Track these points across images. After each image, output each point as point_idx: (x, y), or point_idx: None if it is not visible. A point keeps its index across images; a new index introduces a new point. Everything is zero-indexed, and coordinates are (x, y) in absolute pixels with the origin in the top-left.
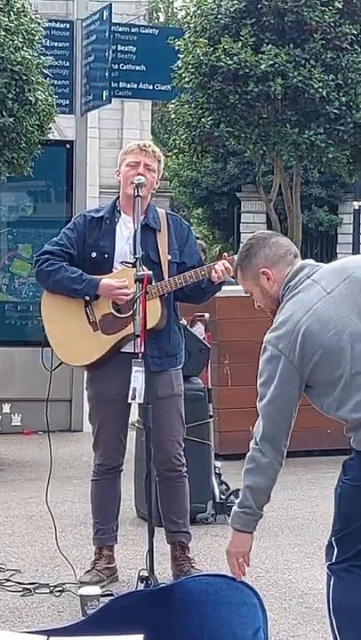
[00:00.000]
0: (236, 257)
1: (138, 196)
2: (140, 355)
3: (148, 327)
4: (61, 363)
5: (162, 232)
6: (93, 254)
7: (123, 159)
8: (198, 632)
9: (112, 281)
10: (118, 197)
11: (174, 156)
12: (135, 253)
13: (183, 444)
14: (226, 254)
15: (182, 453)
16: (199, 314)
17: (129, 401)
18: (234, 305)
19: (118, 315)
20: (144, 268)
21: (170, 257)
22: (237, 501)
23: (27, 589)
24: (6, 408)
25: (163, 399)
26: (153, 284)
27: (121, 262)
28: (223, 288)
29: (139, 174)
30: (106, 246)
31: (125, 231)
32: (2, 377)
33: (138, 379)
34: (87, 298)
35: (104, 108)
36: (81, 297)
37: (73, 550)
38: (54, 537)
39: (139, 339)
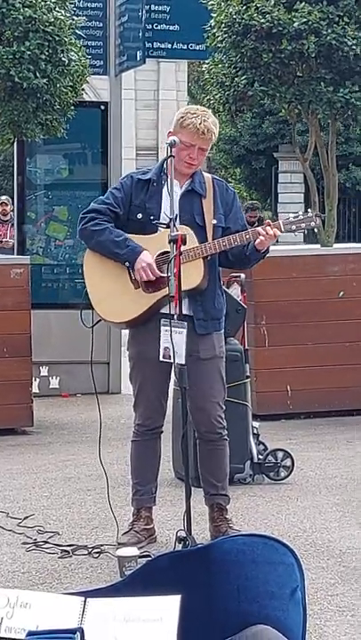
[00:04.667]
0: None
1: (171, 156)
2: (176, 316)
3: (189, 287)
4: (100, 319)
5: (207, 197)
6: (139, 215)
7: (179, 129)
8: (235, 592)
9: (149, 257)
10: (165, 160)
11: None
12: (170, 214)
13: (225, 407)
14: (270, 220)
15: (223, 416)
16: (235, 274)
17: (160, 359)
18: (270, 265)
19: (160, 273)
20: (178, 228)
21: (215, 221)
22: None
23: (65, 551)
24: (44, 371)
25: (204, 361)
26: (195, 244)
27: (154, 222)
28: None
29: (190, 157)
30: (152, 208)
31: (172, 194)
32: (39, 340)
33: (170, 339)
34: (127, 264)
35: (140, 70)
36: (121, 262)
37: (113, 511)
38: (101, 496)
39: (175, 299)
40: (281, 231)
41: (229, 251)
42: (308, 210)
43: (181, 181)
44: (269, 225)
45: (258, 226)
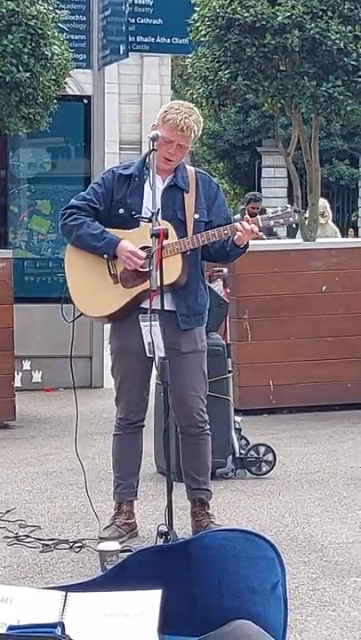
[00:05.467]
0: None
1: (153, 149)
2: (155, 310)
3: (167, 282)
4: (81, 314)
5: (190, 192)
6: (121, 210)
7: (161, 124)
8: (216, 587)
9: (130, 245)
10: (148, 154)
11: None
12: (152, 207)
13: (206, 401)
14: (248, 216)
15: (205, 410)
16: (217, 269)
17: (147, 355)
18: (253, 260)
19: (139, 268)
20: (160, 222)
21: (197, 216)
22: None
23: (46, 545)
24: (27, 365)
25: (185, 355)
26: (176, 239)
27: (135, 217)
28: None
29: (168, 152)
30: (133, 203)
31: (154, 188)
32: (22, 334)
33: (150, 333)
34: (105, 256)
35: (123, 64)
36: (99, 254)
37: (93, 506)
38: (83, 491)
39: (154, 294)
40: (259, 226)
41: (211, 246)
42: (288, 205)
43: (164, 176)
44: (247, 220)
45: None
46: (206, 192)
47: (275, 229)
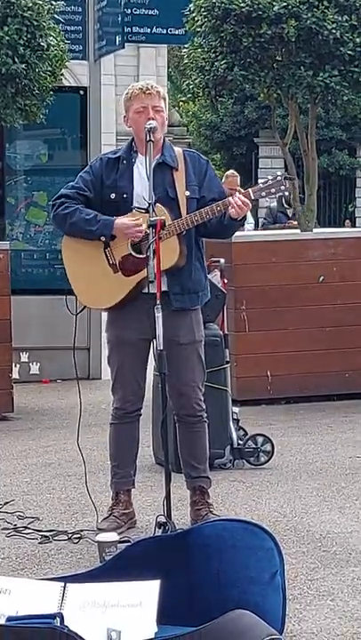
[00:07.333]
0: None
1: (150, 140)
2: (158, 300)
3: (166, 267)
4: (85, 307)
5: (179, 170)
6: (112, 195)
7: (128, 105)
8: (215, 577)
9: (126, 220)
10: (134, 139)
11: (191, 102)
12: (149, 198)
13: (204, 390)
14: (240, 189)
15: (203, 399)
16: (215, 259)
17: (160, 348)
18: (250, 250)
19: (137, 255)
20: (156, 213)
21: (188, 193)
22: None
23: (45, 537)
24: (24, 357)
25: (184, 345)
26: (168, 224)
27: (133, 207)
28: (239, 233)
29: (149, 119)
30: (124, 187)
31: (143, 171)
32: (19, 326)
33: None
34: (103, 238)
35: (120, 55)
36: (97, 238)
37: (92, 497)
38: (82, 482)
39: (155, 283)
40: (251, 198)
41: (208, 221)
42: (278, 174)
43: (152, 158)
44: (241, 193)
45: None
46: (196, 168)
47: None
